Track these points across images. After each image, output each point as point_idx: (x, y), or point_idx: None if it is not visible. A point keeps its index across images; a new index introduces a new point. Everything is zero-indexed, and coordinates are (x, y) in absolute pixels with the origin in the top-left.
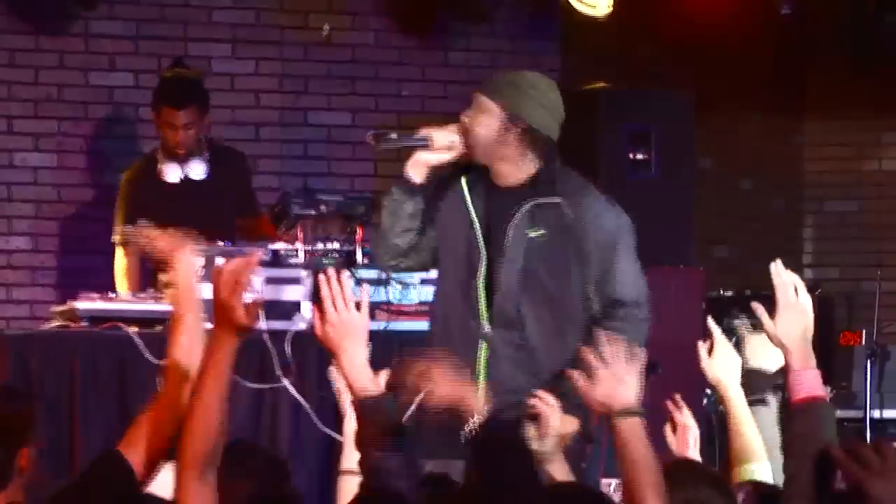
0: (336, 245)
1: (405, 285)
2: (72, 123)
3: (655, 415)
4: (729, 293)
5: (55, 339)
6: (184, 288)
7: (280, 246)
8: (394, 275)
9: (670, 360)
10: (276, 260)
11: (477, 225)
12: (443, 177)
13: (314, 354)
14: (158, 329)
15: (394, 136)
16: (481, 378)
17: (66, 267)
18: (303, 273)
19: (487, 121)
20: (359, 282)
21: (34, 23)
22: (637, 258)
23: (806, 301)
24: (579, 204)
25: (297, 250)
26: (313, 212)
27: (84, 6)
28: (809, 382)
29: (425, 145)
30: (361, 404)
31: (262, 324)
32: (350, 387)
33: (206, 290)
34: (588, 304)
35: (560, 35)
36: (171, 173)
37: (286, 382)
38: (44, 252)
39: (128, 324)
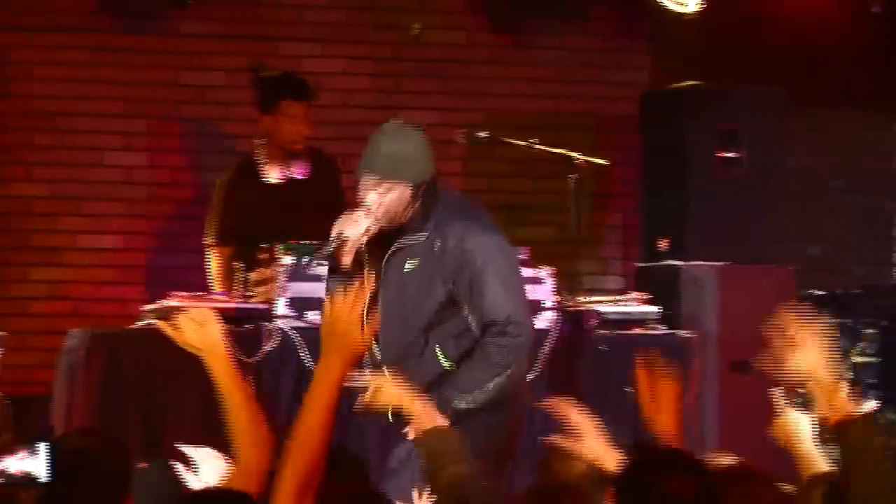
0: None
1: None
2: (163, 122)
3: (753, 413)
4: (820, 292)
5: (146, 337)
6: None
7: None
8: None
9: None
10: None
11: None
12: None
13: None
14: (248, 327)
15: (307, 259)
16: None
17: (156, 265)
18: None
19: (394, 198)
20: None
21: (126, 22)
22: (511, 276)
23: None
24: (444, 232)
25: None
26: None
27: (176, 5)
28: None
29: (343, 244)
30: None
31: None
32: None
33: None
34: (465, 323)
35: (650, 33)
36: (275, 172)
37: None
38: (135, 250)
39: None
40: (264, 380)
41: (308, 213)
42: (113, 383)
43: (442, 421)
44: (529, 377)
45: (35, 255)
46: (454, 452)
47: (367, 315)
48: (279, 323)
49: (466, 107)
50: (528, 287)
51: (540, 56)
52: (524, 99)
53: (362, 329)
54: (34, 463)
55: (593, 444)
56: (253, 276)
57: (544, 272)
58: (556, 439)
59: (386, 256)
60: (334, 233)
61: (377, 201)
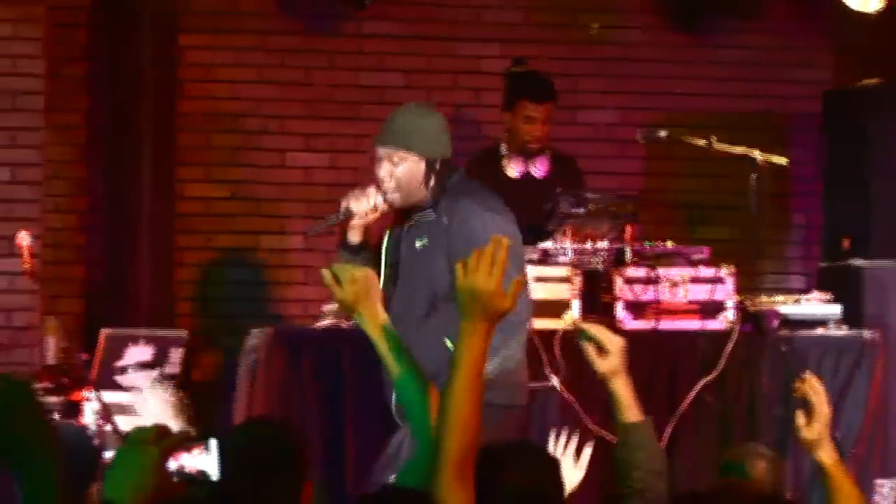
0: (604, 244)
1: (674, 283)
2: (343, 123)
3: None
4: None
5: (327, 336)
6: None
7: (549, 245)
8: None
9: None
10: (545, 258)
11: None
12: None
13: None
14: None
15: (320, 224)
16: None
17: None
18: (571, 272)
19: (406, 171)
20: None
21: (306, 24)
22: (513, 257)
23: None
24: (451, 211)
25: (565, 249)
26: (582, 210)
27: (355, 7)
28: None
29: (350, 218)
30: None
31: (532, 322)
32: None
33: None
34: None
35: (832, 32)
36: (514, 168)
37: (555, 381)
38: (316, 251)
39: None
40: None
41: (542, 212)
42: (293, 382)
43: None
44: (711, 377)
45: (216, 256)
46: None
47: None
48: None
49: (645, 106)
50: (708, 287)
51: (719, 55)
52: (703, 98)
53: (504, 290)
54: (207, 459)
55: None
56: None
57: (725, 272)
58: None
59: (403, 233)
60: (342, 206)
61: (389, 173)
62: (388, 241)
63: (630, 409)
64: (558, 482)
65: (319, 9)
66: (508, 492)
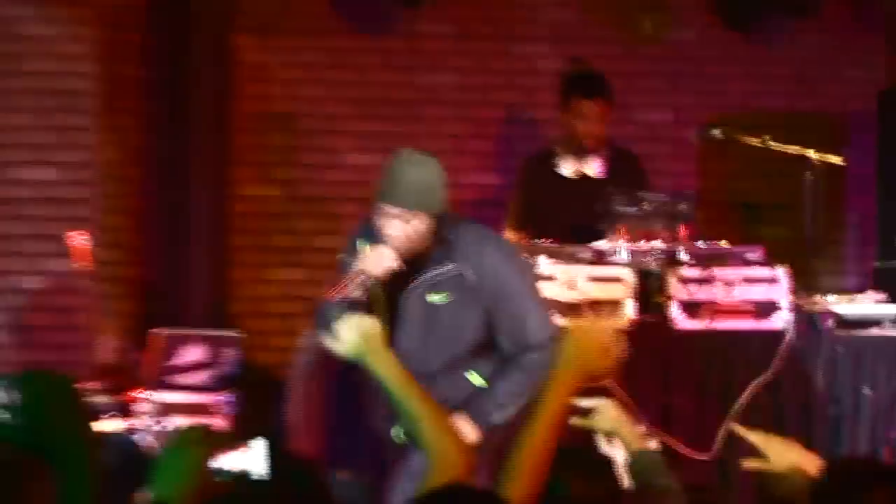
0: (659, 243)
1: (728, 283)
2: (397, 122)
3: None
4: None
5: None
6: None
7: (603, 245)
8: None
9: None
10: (600, 258)
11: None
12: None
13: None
14: None
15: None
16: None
17: None
18: (626, 271)
19: (416, 229)
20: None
21: (360, 23)
22: (542, 297)
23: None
24: (475, 263)
25: (620, 249)
26: (636, 210)
27: (408, 6)
28: None
29: (365, 279)
30: None
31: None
32: None
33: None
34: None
35: (888, 31)
36: (568, 168)
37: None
38: None
39: None
40: None
41: (594, 211)
42: (347, 382)
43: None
44: (765, 377)
45: (271, 256)
46: (660, 468)
47: None
48: None
49: (699, 105)
50: (762, 287)
51: (774, 54)
52: (758, 97)
53: (610, 359)
54: (252, 459)
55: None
56: None
57: (780, 271)
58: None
59: (407, 288)
60: (357, 268)
61: (402, 232)
62: (374, 288)
63: (634, 440)
64: (617, 488)
65: (373, 8)
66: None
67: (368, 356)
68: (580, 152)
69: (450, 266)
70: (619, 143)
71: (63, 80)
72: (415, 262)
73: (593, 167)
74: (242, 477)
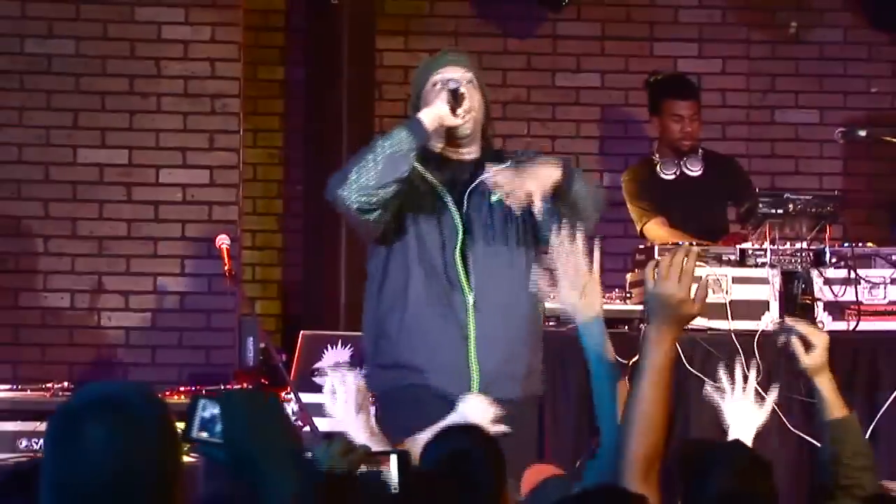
0: (804, 244)
1: (874, 284)
2: (540, 124)
3: None
4: None
5: None
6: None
7: (747, 246)
8: (356, 212)
9: None
10: (743, 259)
11: (448, 198)
12: None
13: (778, 354)
14: (625, 329)
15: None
16: (472, 352)
17: None
18: (771, 273)
19: (478, 99)
20: None
21: (501, 26)
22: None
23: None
24: (528, 164)
25: (764, 250)
26: (781, 211)
27: (551, 8)
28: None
29: (457, 98)
30: None
31: (729, 323)
32: None
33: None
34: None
35: None
36: (669, 171)
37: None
38: None
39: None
40: None
41: (699, 210)
42: None
43: None
44: None
45: None
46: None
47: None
48: None
49: (844, 106)
50: None
51: None
52: None
53: (694, 298)
54: (387, 475)
55: None
56: (630, 276)
57: None
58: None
59: (469, 187)
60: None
61: (470, 90)
62: (438, 181)
63: (835, 405)
64: (771, 486)
65: (515, 10)
66: (716, 494)
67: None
68: (677, 153)
69: (503, 165)
70: (709, 146)
71: (208, 83)
72: (472, 165)
73: (691, 167)
74: (381, 487)
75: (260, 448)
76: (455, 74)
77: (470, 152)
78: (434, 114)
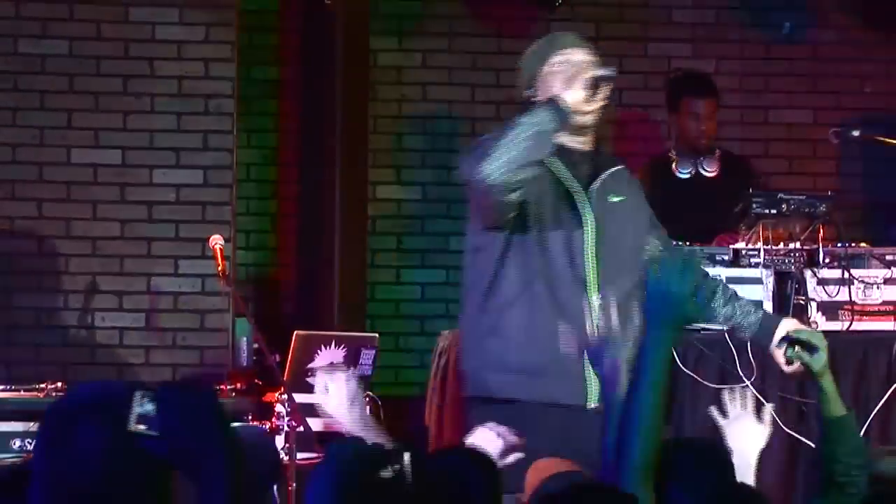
0: (798, 244)
1: (868, 284)
2: None
3: None
4: None
5: None
6: None
7: (741, 246)
8: (498, 190)
9: None
10: (737, 260)
11: (576, 192)
12: None
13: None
14: None
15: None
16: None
17: None
18: (764, 273)
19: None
20: None
21: (496, 25)
22: None
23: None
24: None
25: (758, 250)
26: (774, 211)
27: (545, 8)
28: None
29: (596, 86)
30: None
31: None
32: None
33: None
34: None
35: None
36: (684, 170)
37: (748, 382)
38: None
39: None
40: None
41: (714, 210)
42: None
43: None
44: None
45: (405, 257)
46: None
47: None
48: None
49: (838, 106)
50: None
51: None
52: None
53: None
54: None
55: None
56: None
57: None
58: None
59: (598, 181)
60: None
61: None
62: (568, 173)
63: (836, 403)
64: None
65: (509, 11)
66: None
67: None
68: (695, 152)
69: (621, 166)
70: (727, 146)
71: (202, 83)
72: (591, 160)
73: (707, 168)
74: (392, 485)
75: (197, 440)
76: (581, 57)
77: (585, 143)
78: (576, 97)
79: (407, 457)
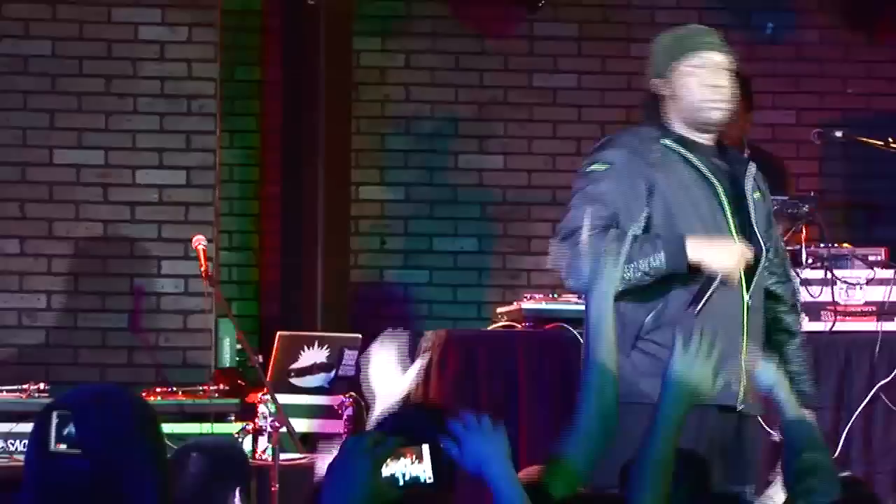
0: None
1: (850, 285)
2: (517, 125)
3: None
4: None
5: (501, 339)
6: None
7: None
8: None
9: None
10: None
11: (720, 190)
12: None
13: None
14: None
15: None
16: (743, 360)
17: (511, 267)
18: None
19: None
20: None
21: (479, 27)
22: None
23: None
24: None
25: None
26: None
27: (528, 9)
28: None
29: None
30: None
31: None
32: None
33: None
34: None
35: None
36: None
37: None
38: (489, 253)
39: (573, 325)
40: None
41: None
42: (466, 385)
43: None
44: (887, 379)
45: (389, 259)
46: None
47: None
48: None
49: (820, 106)
50: (885, 288)
51: None
52: (880, 97)
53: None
54: (420, 466)
55: None
56: None
57: None
58: None
59: (740, 175)
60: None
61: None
62: (708, 171)
63: (792, 405)
64: None
65: (491, 11)
66: None
67: None
68: None
69: (753, 165)
70: (760, 147)
71: (185, 83)
72: (728, 158)
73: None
74: (413, 484)
75: (119, 454)
76: (720, 59)
77: (711, 138)
78: (705, 255)
79: (426, 449)
